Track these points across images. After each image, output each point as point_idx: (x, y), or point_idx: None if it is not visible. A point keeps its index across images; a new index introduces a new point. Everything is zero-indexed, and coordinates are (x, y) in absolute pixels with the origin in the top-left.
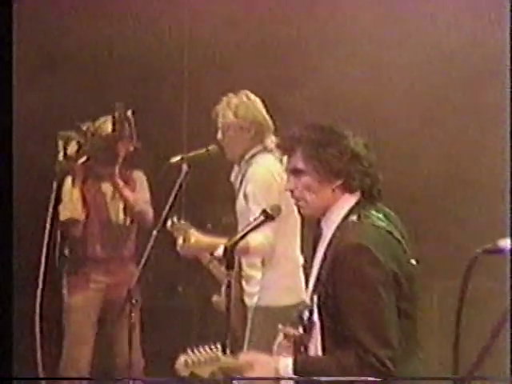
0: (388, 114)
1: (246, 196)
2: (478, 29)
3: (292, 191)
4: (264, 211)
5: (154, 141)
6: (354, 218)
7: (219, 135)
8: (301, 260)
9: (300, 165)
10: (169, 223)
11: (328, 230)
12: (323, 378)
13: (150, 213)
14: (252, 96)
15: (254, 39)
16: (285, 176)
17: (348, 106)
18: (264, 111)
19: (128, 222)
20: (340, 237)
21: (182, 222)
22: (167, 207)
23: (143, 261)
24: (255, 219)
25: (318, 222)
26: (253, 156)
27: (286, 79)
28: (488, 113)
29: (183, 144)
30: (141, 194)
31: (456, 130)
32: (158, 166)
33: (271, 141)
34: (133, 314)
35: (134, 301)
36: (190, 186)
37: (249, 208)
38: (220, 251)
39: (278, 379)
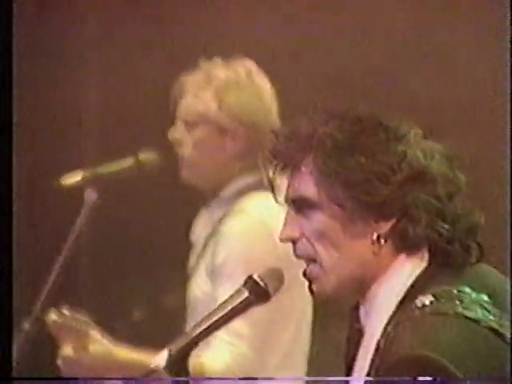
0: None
1: (213, 271)
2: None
3: (294, 243)
4: (250, 279)
5: (32, 140)
6: (425, 299)
7: (176, 133)
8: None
9: (309, 190)
10: (52, 316)
11: (373, 323)
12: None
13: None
14: (256, 73)
15: None
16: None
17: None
18: (271, 104)
19: None
20: (395, 338)
21: (79, 316)
22: (53, 274)
23: None
24: (231, 297)
25: (355, 308)
26: (240, 193)
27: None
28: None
29: (83, 146)
30: None
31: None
32: (37, 188)
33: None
34: None
35: None
36: (100, 231)
37: (216, 290)
38: (161, 360)
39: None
